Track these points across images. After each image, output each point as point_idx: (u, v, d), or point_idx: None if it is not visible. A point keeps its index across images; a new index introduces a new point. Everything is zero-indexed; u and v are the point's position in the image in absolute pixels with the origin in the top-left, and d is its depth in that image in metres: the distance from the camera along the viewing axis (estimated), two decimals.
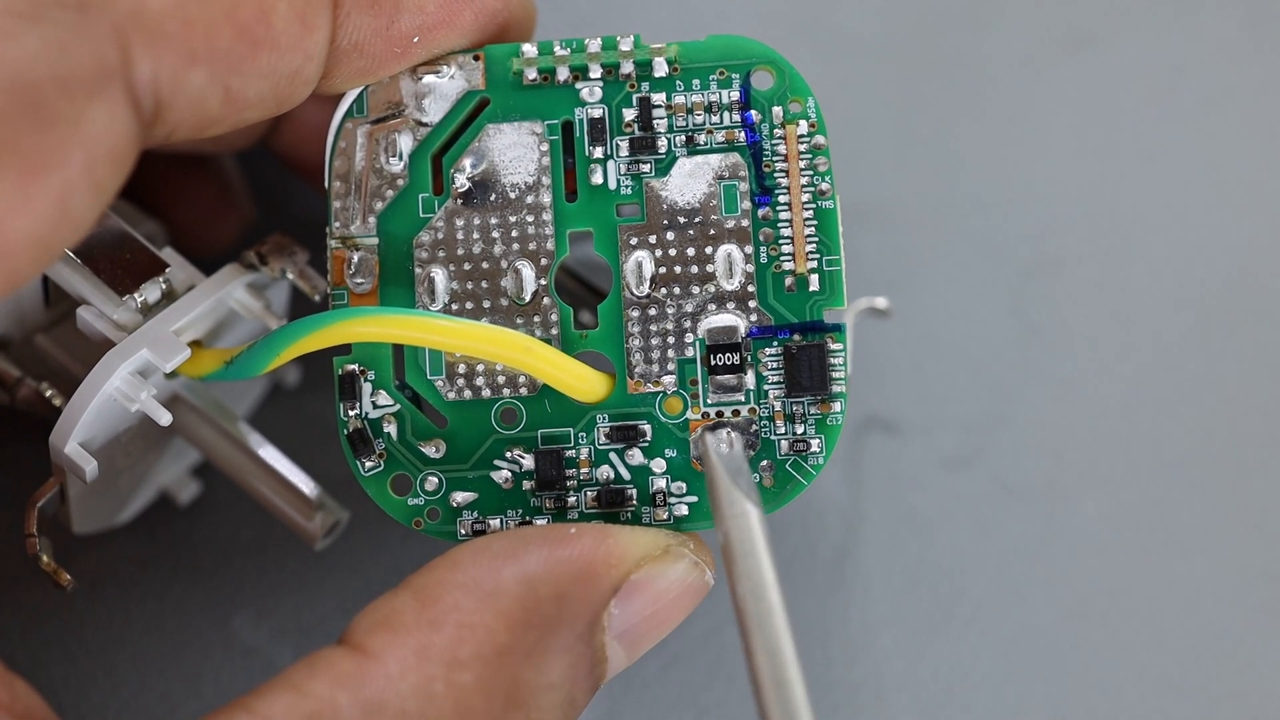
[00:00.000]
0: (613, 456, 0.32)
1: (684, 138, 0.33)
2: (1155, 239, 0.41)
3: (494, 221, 0.33)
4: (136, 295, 0.33)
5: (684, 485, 0.32)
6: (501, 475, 0.32)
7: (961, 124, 0.42)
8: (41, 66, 0.27)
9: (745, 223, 0.32)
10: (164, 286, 0.33)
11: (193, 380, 0.35)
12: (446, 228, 0.33)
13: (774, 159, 0.33)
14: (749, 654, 0.28)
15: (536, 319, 0.33)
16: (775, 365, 0.32)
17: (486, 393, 0.32)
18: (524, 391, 0.32)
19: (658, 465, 0.32)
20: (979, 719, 0.38)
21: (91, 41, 0.27)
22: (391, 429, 0.32)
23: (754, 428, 0.32)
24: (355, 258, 0.33)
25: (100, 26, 0.27)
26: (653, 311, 0.32)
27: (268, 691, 0.28)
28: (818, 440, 0.32)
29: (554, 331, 0.33)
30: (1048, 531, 0.39)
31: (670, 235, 0.33)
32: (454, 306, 0.33)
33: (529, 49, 0.33)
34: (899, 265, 0.41)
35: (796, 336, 0.32)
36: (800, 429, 0.32)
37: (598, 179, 0.33)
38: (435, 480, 0.32)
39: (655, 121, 0.33)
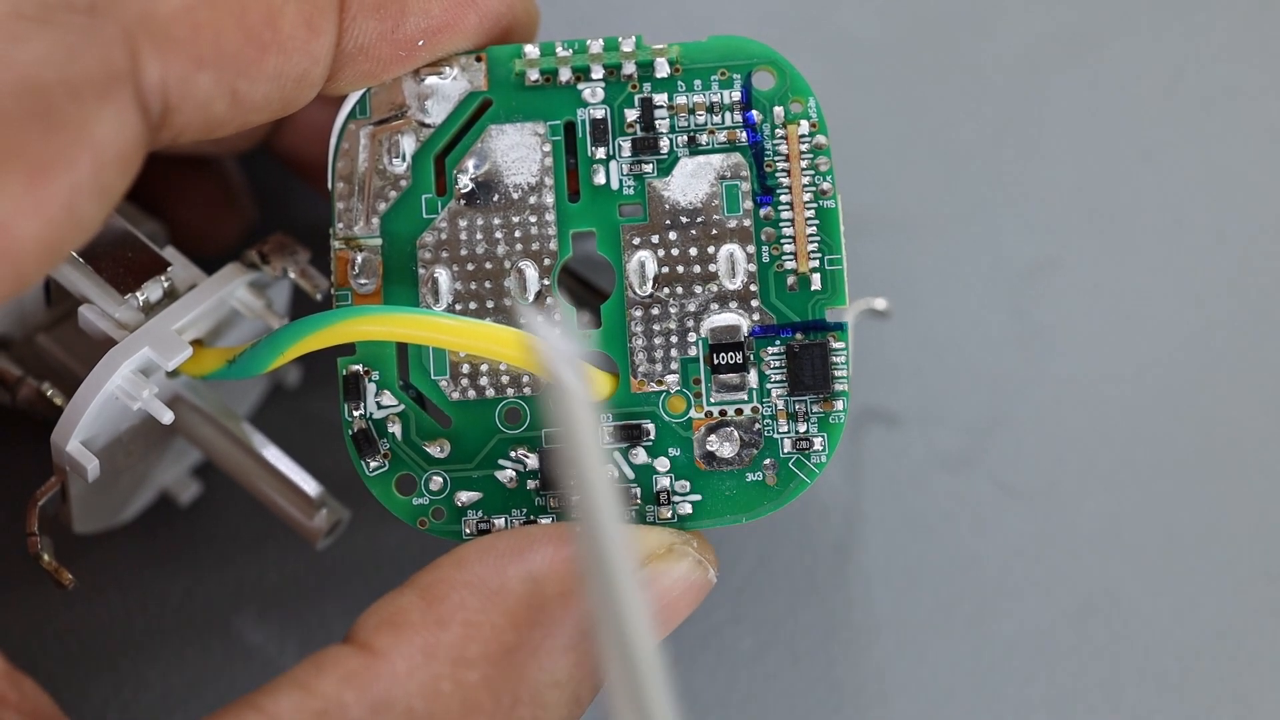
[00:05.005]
0: (616, 455, 0.32)
1: (686, 138, 0.33)
2: (1155, 239, 0.41)
3: (497, 222, 0.33)
4: (138, 294, 0.33)
5: (687, 484, 0.32)
6: (506, 475, 0.32)
7: (962, 124, 0.42)
8: (50, 70, 0.27)
9: (747, 222, 0.33)
10: (166, 285, 0.33)
11: (194, 380, 0.35)
12: (450, 228, 0.33)
13: (775, 159, 0.33)
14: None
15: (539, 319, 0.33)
16: (778, 364, 0.32)
17: (490, 392, 0.32)
18: (528, 391, 0.32)
19: (661, 464, 0.32)
20: (979, 719, 0.38)
21: (100, 45, 0.27)
22: (396, 429, 0.32)
23: (756, 426, 0.32)
24: (359, 258, 0.33)
25: (109, 30, 0.27)
26: (655, 311, 0.33)
27: (275, 689, 0.28)
28: (820, 438, 0.32)
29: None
30: (1048, 531, 0.39)
31: (672, 235, 0.33)
32: (458, 307, 0.33)
33: (531, 50, 0.33)
34: (899, 265, 0.41)
35: (799, 335, 0.32)
36: (803, 427, 0.32)
37: (600, 179, 0.33)
38: (440, 480, 0.32)
39: (657, 122, 0.33)
